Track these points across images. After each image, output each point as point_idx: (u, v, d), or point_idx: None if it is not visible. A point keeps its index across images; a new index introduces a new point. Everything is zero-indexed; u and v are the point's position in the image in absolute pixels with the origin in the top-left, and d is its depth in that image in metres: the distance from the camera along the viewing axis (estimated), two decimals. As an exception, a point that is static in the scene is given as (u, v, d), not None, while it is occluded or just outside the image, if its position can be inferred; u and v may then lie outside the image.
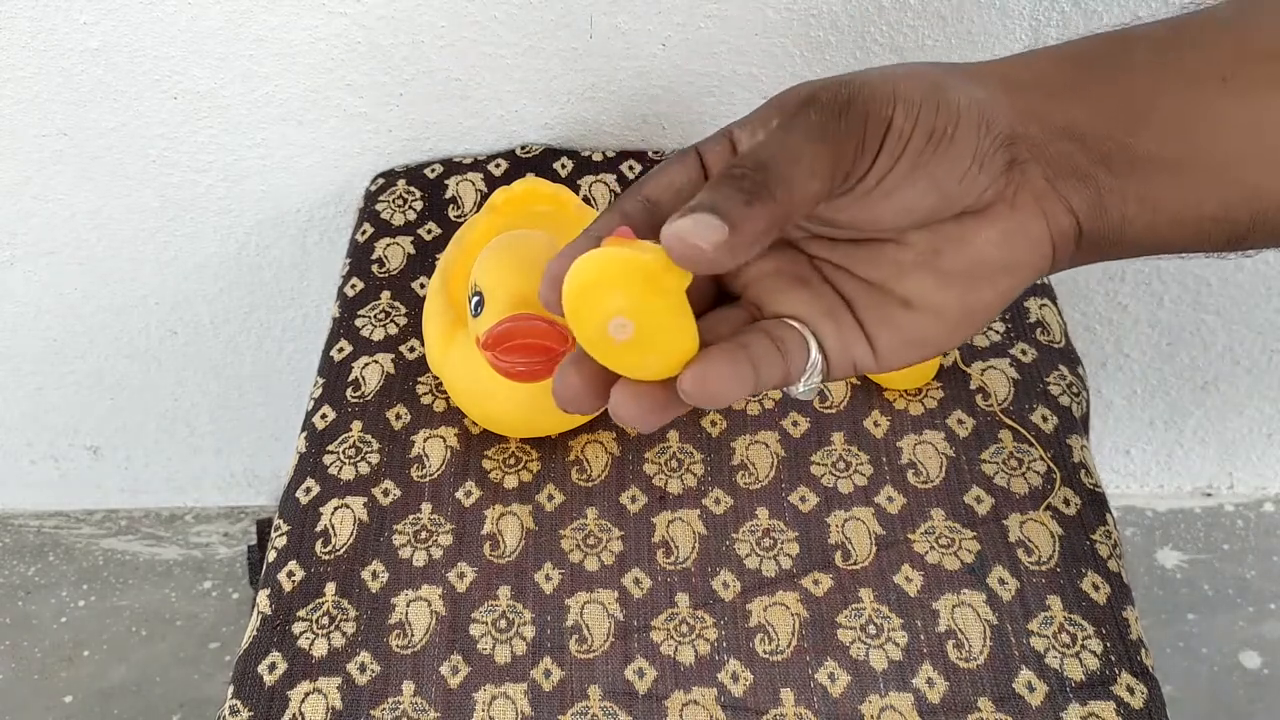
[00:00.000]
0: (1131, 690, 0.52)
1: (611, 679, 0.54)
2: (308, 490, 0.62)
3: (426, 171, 0.81)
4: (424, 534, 0.60)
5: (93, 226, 0.88)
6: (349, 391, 0.66)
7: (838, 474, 0.61)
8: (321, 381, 0.68)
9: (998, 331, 0.68)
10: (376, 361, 0.68)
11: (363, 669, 0.55)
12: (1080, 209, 0.30)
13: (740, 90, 0.79)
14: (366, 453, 0.63)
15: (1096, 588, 0.56)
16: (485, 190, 0.79)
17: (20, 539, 1.18)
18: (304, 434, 0.65)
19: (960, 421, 0.63)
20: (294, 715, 0.53)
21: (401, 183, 0.80)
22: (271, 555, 0.60)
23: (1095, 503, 0.59)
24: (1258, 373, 1.01)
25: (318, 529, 0.60)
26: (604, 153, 0.81)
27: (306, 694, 0.54)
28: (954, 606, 0.56)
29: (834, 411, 0.64)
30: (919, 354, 0.31)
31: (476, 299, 0.55)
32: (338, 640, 0.56)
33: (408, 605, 0.57)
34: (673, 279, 0.26)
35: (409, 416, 0.65)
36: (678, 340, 0.27)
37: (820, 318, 0.30)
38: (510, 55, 0.77)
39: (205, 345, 0.99)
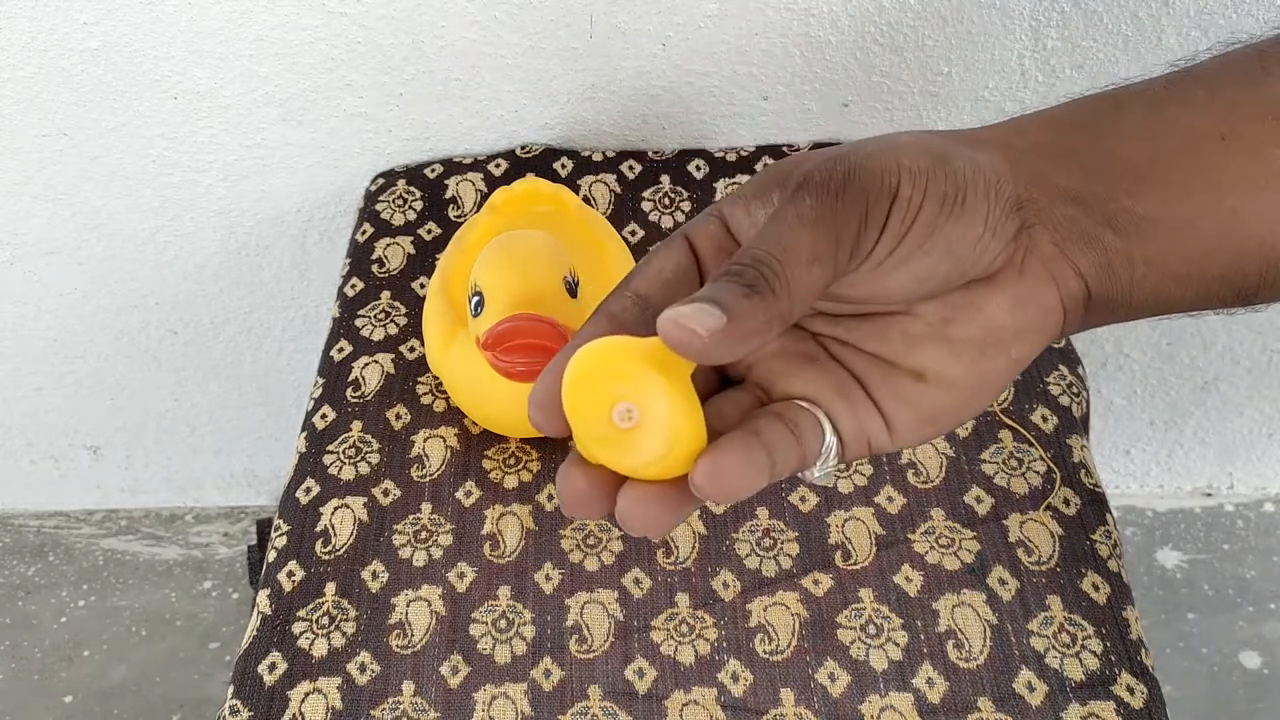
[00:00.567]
0: (1131, 690, 0.52)
1: (611, 679, 0.54)
2: (308, 490, 0.62)
3: (426, 171, 0.81)
4: (424, 534, 0.60)
5: (93, 226, 0.88)
6: (349, 391, 0.66)
7: (837, 473, 0.61)
8: (321, 381, 0.68)
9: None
10: (376, 361, 0.68)
11: (363, 669, 0.55)
12: (1088, 272, 0.29)
13: (740, 90, 0.79)
14: (366, 453, 0.63)
15: (1096, 588, 0.56)
16: (485, 190, 0.79)
17: (20, 539, 1.18)
18: (304, 434, 0.65)
19: (960, 421, 0.63)
20: (294, 715, 0.53)
21: (401, 183, 0.80)
22: (271, 555, 0.60)
23: (1095, 503, 0.60)
24: (1258, 373, 1.01)
25: (318, 529, 0.60)
26: (604, 153, 0.81)
27: (306, 694, 0.54)
28: (954, 606, 0.56)
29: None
30: (934, 429, 0.30)
31: (476, 299, 0.55)
32: (338, 640, 0.56)
33: (408, 605, 0.57)
34: (675, 363, 0.25)
35: (409, 416, 0.65)
36: (685, 426, 0.25)
37: (832, 397, 0.29)
38: (510, 55, 0.77)
39: (205, 345, 0.99)
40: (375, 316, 0.71)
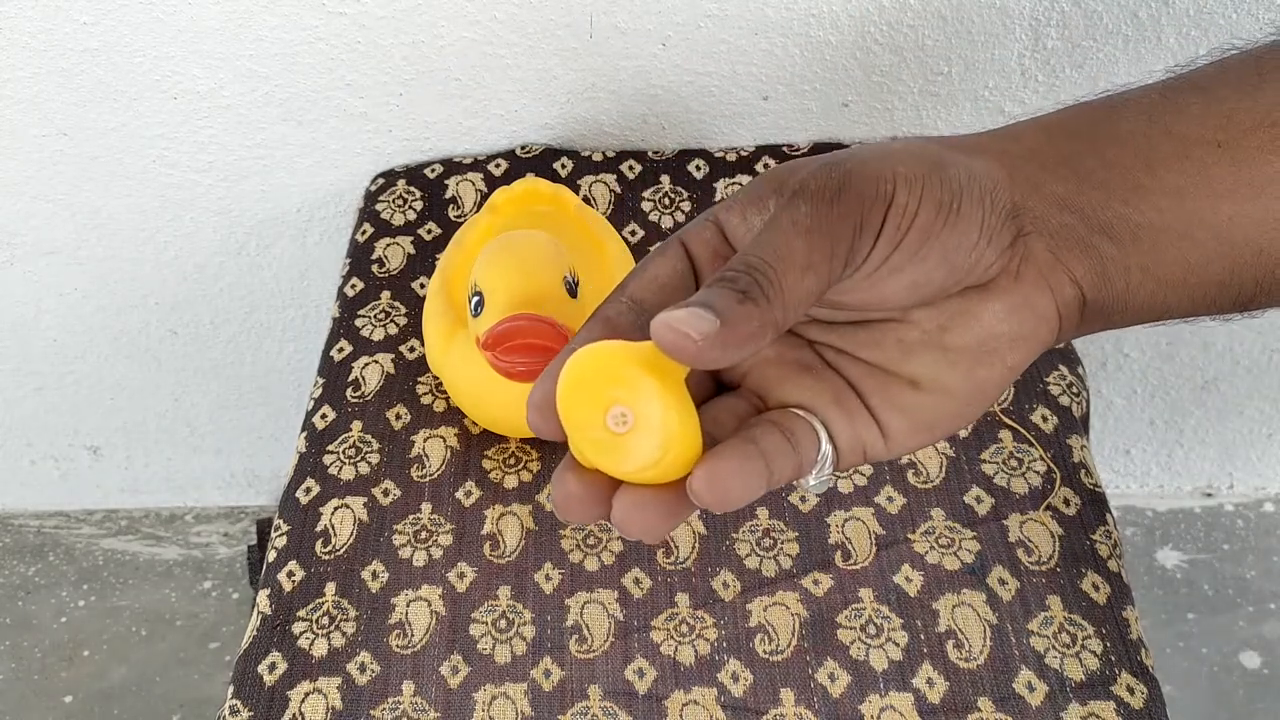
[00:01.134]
0: (1131, 690, 0.52)
1: (611, 679, 0.54)
2: (308, 490, 0.62)
3: (426, 171, 0.81)
4: (424, 534, 0.60)
5: (93, 226, 0.88)
6: (349, 391, 0.66)
7: (838, 474, 0.61)
8: (321, 381, 0.68)
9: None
10: (376, 361, 0.68)
11: (363, 669, 0.55)
12: (1084, 280, 0.29)
13: (740, 90, 0.79)
14: (366, 453, 0.63)
15: (1096, 588, 0.56)
16: (485, 190, 0.79)
17: (20, 539, 1.18)
18: (304, 434, 0.65)
19: (960, 421, 0.63)
20: (294, 715, 0.53)
21: (401, 183, 0.80)
22: (271, 555, 0.60)
23: (1095, 503, 0.60)
24: (1258, 373, 1.01)
25: (318, 529, 0.60)
26: (604, 153, 0.81)
27: (306, 694, 0.54)
28: (954, 606, 0.56)
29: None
30: (930, 436, 0.30)
31: (476, 299, 0.55)
32: (338, 640, 0.56)
33: (408, 605, 0.57)
34: (669, 367, 0.25)
35: (409, 416, 0.65)
36: (679, 430, 0.25)
37: (828, 406, 0.29)
38: (510, 55, 0.77)
39: (205, 345, 0.99)
40: (375, 316, 0.71)
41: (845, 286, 0.28)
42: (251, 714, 0.54)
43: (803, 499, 0.60)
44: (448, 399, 0.65)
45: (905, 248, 0.27)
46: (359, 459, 0.63)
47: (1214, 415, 1.06)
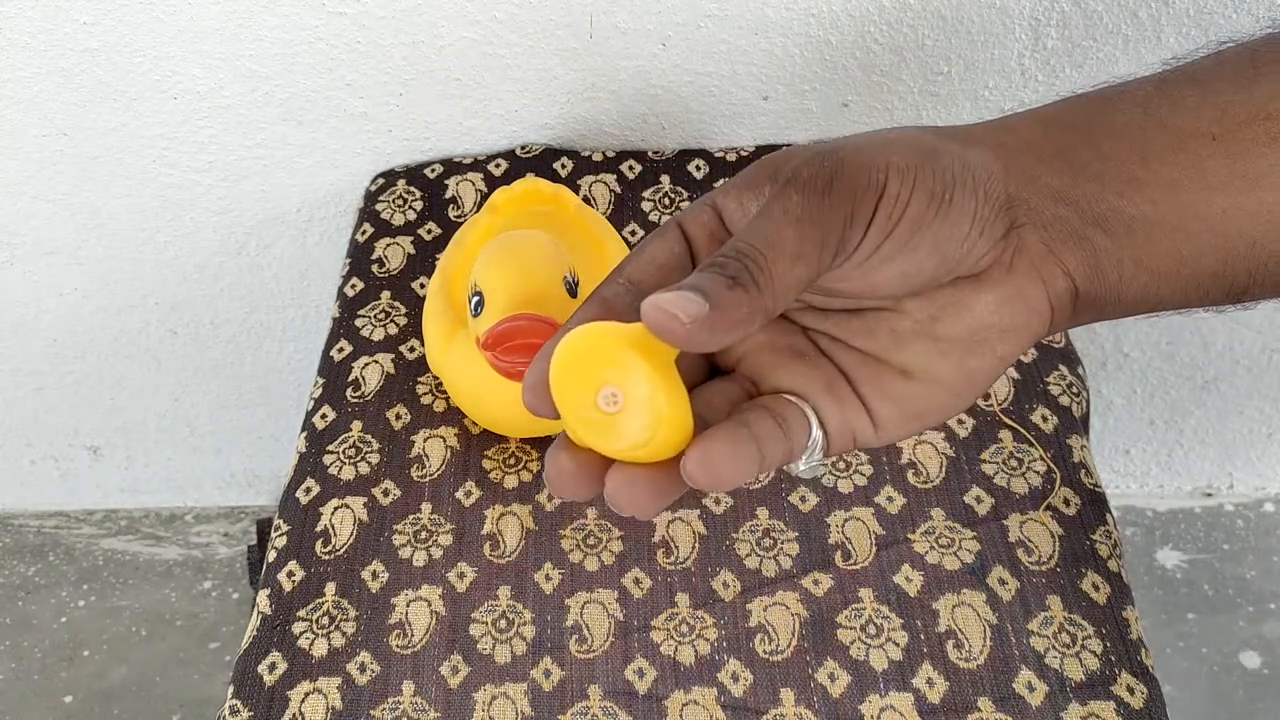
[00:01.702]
0: (1131, 690, 0.52)
1: (611, 679, 0.54)
2: (308, 490, 0.62)
3: (426, 171, 0.81)
4: (424, 534, 0.60)
5: (93, 226, 0.88)
6: (349, 391, 0.66)
7: (837, 474, 0.61)
8: (321, 381, 0.68)
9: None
10: (376, 361, 0.68)
11: (363, 669, 0.55)
12: (1077, 272, 0.29)
13: (740, 90, 0.79)
14: (366, 453, 0.63)
15: (1096, 588, 0.56)
16: (485, 190, 0.79)
17: (20, 539, 1.18)
18: (304, 434, 0.65)
19: (960, 421, 0.63)
20: (294, 715, 0.53)
21: (401, 183, 0.80)
22: (271, 555, 0.60)
23: (1095, 503, 0.60)
24: (1258, 373, 1.01)
25: (318, 529, 0.60)
26: (604, 153, 0.81)
27: (306, 694, 0.54)
28: (954, 606, 0.56)
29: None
30: (920, 425, 0.30)
31: (476, 299, 0.55)
32: (338, 640, 0.56)
33: (408, 605, 0.57)
34: (659, 348, 0.25)
35: (409, 416, 0.65)
36: (668, 411, 0.25)
37: (819, 392, 0.29)
38: (510, 55, 0.77)
39: (205, 345, 0.99)
40: (375, 316, 0.71)
41: (837, 274, 0.28)
42: (251, 714, 0.54)
43: (803, 499, 0.60)
44: (448, 399, 0.65)
45: (896, 237, 0.27)
46: (359, 459, 0.63)
47: (1214, 415, 1.06)
